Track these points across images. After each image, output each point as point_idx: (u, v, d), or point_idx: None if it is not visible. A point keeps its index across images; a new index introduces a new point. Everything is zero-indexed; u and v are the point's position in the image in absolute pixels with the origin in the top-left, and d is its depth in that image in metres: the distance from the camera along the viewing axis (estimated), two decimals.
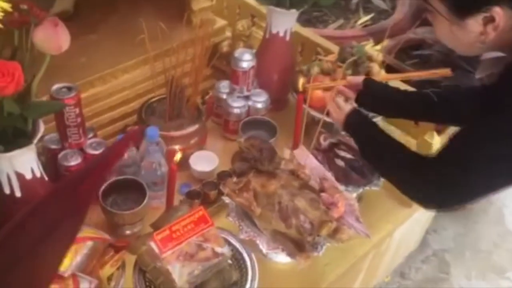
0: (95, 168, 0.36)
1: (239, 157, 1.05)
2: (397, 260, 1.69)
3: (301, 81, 1.31)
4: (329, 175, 1.12)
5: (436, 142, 1.23)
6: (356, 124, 1.07)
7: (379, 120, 1.31)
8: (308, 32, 1.68)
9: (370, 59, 1.31)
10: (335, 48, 1.52)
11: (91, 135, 1.15)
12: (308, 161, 1.12)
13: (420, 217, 1.52)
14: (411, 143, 1.36)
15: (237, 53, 1.36)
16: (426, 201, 0.94)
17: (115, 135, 1.27)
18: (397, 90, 1.16)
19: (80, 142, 1.10)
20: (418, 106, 1.14)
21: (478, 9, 0.77)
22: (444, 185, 0.87)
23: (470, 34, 0.80)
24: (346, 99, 1.24)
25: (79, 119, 1.08)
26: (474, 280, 1.76)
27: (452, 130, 1.34)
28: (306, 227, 0.96)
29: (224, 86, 1.41)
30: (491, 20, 0.77)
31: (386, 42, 1.51)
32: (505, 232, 1.91)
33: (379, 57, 1.32)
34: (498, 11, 0.75)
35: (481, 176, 0.83)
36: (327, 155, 1.23)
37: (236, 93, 1.39)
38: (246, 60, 1.35)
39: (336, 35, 1.93)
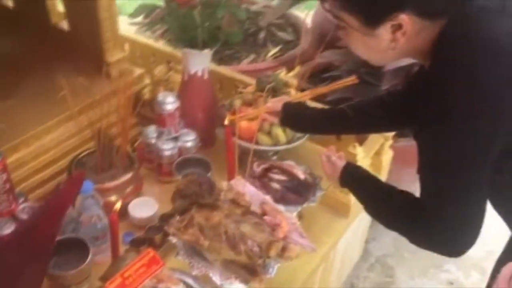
0: (45, 214, 0.37)
1: (178, 195, 1.06)
2: (345, 272, 1.74)
3: (227, 115, 1.36)
4: (268, 198, 1.16)
5: (359, 152, 1.32)
6: (350, 182, 1.08)
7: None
8: (224, 70, 1.75)
9: (286, 85, 1.39)
10: (252, 81, 1.60)
11: (22, 199, 1.11)
12: (246, 189, 1.15)
13: (358, 227, 1.60)
14: None
15: (160, 97, 1.38)
16: (454, 250, 0.87)
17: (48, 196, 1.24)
18: (315, 109, 1.24)
19: (11, 209, 1.06)
20: (337, 122, 1.23)
21: (386, 18, 0.81)
22: (457, 221, 0.83)
23: (382, 43, 0.84)
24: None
25: (7, 185, 1.05)
26: (417, 279, 1.86)
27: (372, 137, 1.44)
28: (255, 250, 0.98)
29: (151, 131, 1.43)
30: (399, 27, 0.81)
31: (297, 69, 1.61)
32: None
33: (294, 82, 1.40)
34: (404, 18, 0.79)
35: (479, 182, 0.83)
36: (262, 181, 1.27)
37: (164, 136, 1.41)
38: (169, 102, 1.38)
39: (250, 69, 2.02)
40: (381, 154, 1.50)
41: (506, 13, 0.80)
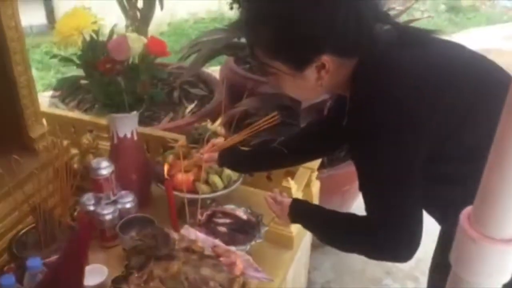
0: (66, 262, 0.41)
1: (133, 252, 1.08)
2: None
3: (165, 169, 1.42)
4: (218, 241, 1.21)
5: (293, 185, 1.42)
6: (299, 217, 1.15)
7: None
8: (149, 130, 1.80)
9: (215, 134, 1.48)
10: (177, 137, 1.67)
11: None
12: (196, 236, 1.19)
13: (301, 257, 1.68)
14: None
15: (94, 164, 1.40)
16: (405, 254, 0.95)
17: None
18: (250, 150, 1.34)
19: None
20: (272, 159, 1.34)
21: (310, 61, 0.92)
22: (399, 231, 0.93)
23: (310, 82, 0.96)
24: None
25: None
26: None
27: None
28: None
29: (88, 198, 1.43)
30: (322, 66, 0.93)
31: (220, 119, 1.71)
32: None
33: (222, 131, 1.49)
34: (325, 59, 0.91)
35: (412, 191, 0.92)
36: (208, 227, 1.33)
37: (103, 201, 1.42)
38: (104, 167, 1.40)
39: (172, 126, 2.09)
40: (310, 186, 1.61)
41: (405, 44, 0.94)
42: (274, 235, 1.43)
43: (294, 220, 1.17)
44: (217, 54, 1.90)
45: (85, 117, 1.86)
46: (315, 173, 1.63)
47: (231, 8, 2.78)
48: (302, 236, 1.55)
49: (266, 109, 1.93)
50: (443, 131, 0.92)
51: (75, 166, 1.58)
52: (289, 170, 1.61)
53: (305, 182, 1.57)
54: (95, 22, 1.34)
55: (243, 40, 2.07)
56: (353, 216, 1.03)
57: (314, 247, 1.87)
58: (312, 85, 0.97)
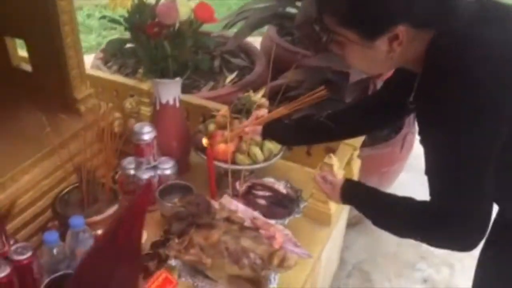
0: (126, 219, 0.40)
1: (175, 219, 1.08)
2: (326, 284, 1.80)
3: (204, 139, 1.41)
4: (257, 214, 1.20)
5: (335, 162, 1.39)
6: (352, 198, 1.11)
7: None
8: (189, 98, 1.79)
9: (258, 106, 1.45)
10: (219, 106, 1.65)
11: (12, 241, 1.09)
12: (236, 207, 1.19)
13: (336, 236, 1.67)
14: (310, 173, 1.52)
15: (136, 128, 1.40)
16: (469, 244, 0.92)
17: (36, 234, 1.22)
18: (293, 124, 1.31)
19: (4, 251, 1.04)
20: (317, 132, 1.31)
21: (384, 30, 0.87)
22: (467, 221, 0.89)
23: (380, 54, 0.91)
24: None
25: None
26: (394, 280, 1.94)
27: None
28: (258, 263, 1.02)
29: (129, 162, 1.44)
30: (395, 38, 0.88)
31: (263, 91, 1.68)
32: None
33: (265, 102, 1.47)
34: (400, 29, 0.86)
35: (486, 179, 0.88)
36: (247, 199, 1.32)
37: (143, 165, 1.42)
38: (146, 132, 1.40)
39: (212, 95, 2.07)
40: (351, 164, 1.58)
41: (487, 20, 0.89)
42: (312, 211, 1.41)
43: (346, 201, 1.14)
44: (264, 23, 1.86)
45: (128, 81, 1.85)
46: (357, 151, 1.59)
47: None
48: (339, 214, 1.53)
49: (309, 83, 1.90)
50: None
51: (116, 129, 1.59)
52: (329, 146, 1.58)
53: (347, 159, 1.54)
54: None
55: (290, 9, 2.02)
56: (415, 201, 0.98)
57: (347, 225, 1.85)
58: (382, 57, 0.92)
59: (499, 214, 1.08)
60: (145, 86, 1.80)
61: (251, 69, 2.38)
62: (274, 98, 2.01)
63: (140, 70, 1.83)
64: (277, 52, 2.59)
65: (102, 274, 0.35)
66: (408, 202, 0.99)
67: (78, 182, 1.26)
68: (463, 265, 1.96)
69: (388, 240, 2.08)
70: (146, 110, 1.78)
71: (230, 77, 2.32)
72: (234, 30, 1.99)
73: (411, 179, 2.05)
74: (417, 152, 2.02)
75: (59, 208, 1.24)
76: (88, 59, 2.34)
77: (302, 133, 1.34)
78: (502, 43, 0.86)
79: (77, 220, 1.12)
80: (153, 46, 1.37)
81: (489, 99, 0.84)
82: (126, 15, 1.37)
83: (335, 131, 1.27)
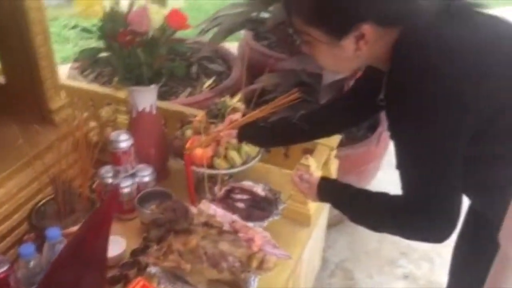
0: (91, 228, 0.40)
1: (153, 226, 1.08)
2: (309, 284, 1.81)
3: (185, 144, 1.41)
4: (236, 217, 1.21)
5: (312, 163, 1.40)
6: (329, 195, 1.12)
7: None
8: (166, 104, 1.79)
9: (234, 110, 1.46)
10: (196, 112, 1.66)
11: None
12: (214, 211, 1.19)
13: (317, 236, 1.68)
14: (288, 174, 1.53)
15: (113, 136, 1.40)
16: (443, 235, 0.93)
17: (13, 247, 1.20)
18: (269, 126, 1.33)
19: None
20: (292, 134, 1.32)
21: (350, 29, 0.89)
22: (438, 211, 0.91)
23: (347, 52, 0.93)
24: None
25: None
26: (376, 277, 1.96)
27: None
28: (237, 266, 1.02)
29: (107, 170, 1.43)
30: (361, 36, 0.90)
31: (240, 95, 1.69)
32: None
33: (241, 107, 1.48)
34: (366, 28, 0.89)
35: (455, 170, 0.90)
36: (226, 202, 1.32)
37: (121, 174, 1.42)
38: (123, 140, 1.39)
39: (191, 101, 2.07)
40: (328, 164, 1.60)
41: (451, 17, 0.90)
42: (292, 212, 1.43)
43: (323, 199, 1.15)
44: (238, 28, 1.88)
45: (104, 90, 1.85)
46: (334, 152, 1.61)
47: None
48: (319, 214, 1.54)
49: (285, 86, 1.91)
50: (488, 111, 0.89)
51: (94, 139, 1.58)
52: (306, 147, 1.60)
53: (324, 160, 1.55)
54: None
55: (263, 14, 2.04)
56: (388, 196, 1.00)
57: (328, 225, 1.87)
58: (349, 56, 0.94)
59: (470, 206, 1.11)
60: (121, 94, 1.80)
61: (228, 74, 2.39)
62: (250, 102, 2.03)
63: (116, 79, 1.83)
64: (253, 57, 2.62)
65: (68, 283, 0.36)
66: (382, 196, 1.01)
67: (54, 193, 1.26)
68: (442, 259, 1.99)
69: (369, 238, 2.11)
70: (123, 118, 1.77)
71: (208, 82, 2.33)
72: (209, 35, 2.00)
73: (388, 176, 2.07)
74: (392, 149, 2.06)
75: (35, 220, 1.24)
76: (66, 69, 2.33)
77: (277, 135, 1.36)
78: (465, 38, 0.89)
79: (53, 232, 1.12)
80: (127, 54, 1.37)
81: (454, 93, 0.86)
82: (96, 23, 1.37)
83: (309, 132, 1.29)
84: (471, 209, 1.11)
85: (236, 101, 1.56)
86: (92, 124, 1.64)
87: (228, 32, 1.81)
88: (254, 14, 1.88)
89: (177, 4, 1.55)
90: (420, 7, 0.90)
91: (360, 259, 2.03)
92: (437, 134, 0.88)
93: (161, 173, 1.57)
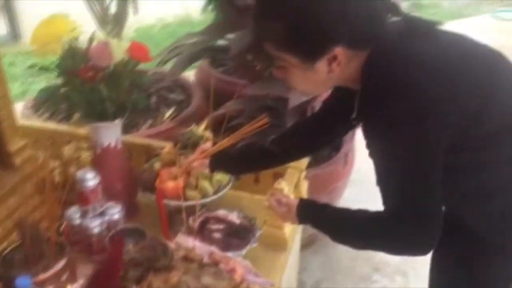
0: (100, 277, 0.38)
1: (130, 265, 1.05)
2: None
3: (156, 178, 1.38)
4: (215, 248, 1.19)
5: (284, 185, 1.40)
6: (308, 217, 1.12)
7: None
8: (130, 138, 1.76)
9: (202, 139, 1.45)
10: (162, 144, 1.63)
11: None
12: (192, 244, 1.17)
13: (293, 259, 1.67)
14: (260, 200, 1.52)
15: (79, 175, 1.35)
16: (425, 248, 0.96)
17: None
18: (240, 153, 1.32)
19: None
20: (264, 159, 1.32)
21: (323, 52, 0.92)
22: (421, 223, 0.92)
23: (321, 75, 0.95)
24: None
25: None
26: None
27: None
28: None
29: (74, 211, 1.37)
30: (334, 59, 0.93)
31: (205, 124, 1.68)
32: None
33: (209, 135, 1.47)
34: (338, 50, 0.92)
35: (434, 182, 0.92)
36: (202, 234, 1.30)
37: (89, 213, 1.37)
38: (90, 178, 1.35)
39: (153, 132, 2.05)
40: (299, 186, 1.60)
41: (414, 35, 0.94)
42: (268, 238, 1.41)
43: (303, 221, 1.15)
44: (198, 57, 1.88)
45: (63, 127, 1.80)
46: (303, 173, 1.62)
47: (204, 12, 2.77)
48: (293, 237, 1.54)
49: (249, 111, 1.92)
50: (462, 120, 0.92)
51: (57, 178, 1.52)
52: (276, 171, 1.60)
53: (295, 182, 1.56)
54: (74, 29, 1.29)
55: (220, 42, 2.06)
56: (368, 212, 1.01)
57: (301, 247, 1.87)
58: (322, 78, 0.96)
59: (446, 215, 1.13)
60: (82, 130, 1.75)
61: (188, 103, 2.39)
62: (216, 129, 2.02)
63: (77, 115, 1.78)
64: (215, 84, 2.62)
65: None
66: (362, 213, 1.02)
67: (20, 239, 1.19)
68: (416, 271, 2.03)
69: (342, 256, 2.12)
70: (85, 155, 1.72)
71: (168, 112, 2.31)
72: (168, 66, 1.99)
73: (355, 194, 2.11)
74: (358, 166, 2.09)
75: (3, 270, 1.16)
76: (16, 109, 2.25)
77: (248, 161, 1.35)
78: (430, 53, 0.93)
79: (23, 281, 1.06)
80: (89, 90, 1.34)
81: (428, 107, 0.89)
82: (54, 61, 1.33)
83: (281, 156, 1.29)
84: (446, 217, 1.13)
85: (202, 130, 1.55)
86: (54, 163, 1.58)
87: (188, 62, 1.81)
88: (211, 42, 1.88)
89: (127, 35, 1.53)
90: (385, 28, 0.94)
91: (335, 278, 2.03)
92: (416, 146, 0.90)
93: (130, 209, 1.53)
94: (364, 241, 1.04)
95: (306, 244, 2.03)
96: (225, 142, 1.33)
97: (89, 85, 1.32)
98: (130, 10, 2.20)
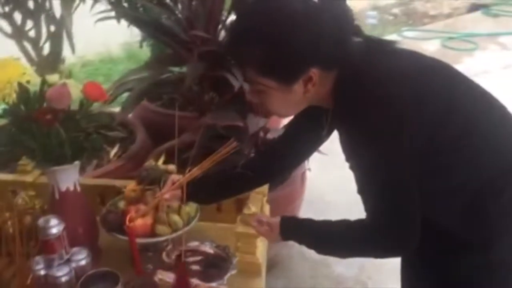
0: None
1: None
2: None
3: (115, 219, 1.35)
4: (197, 280, 1.18)
5: (254, 210, 1.42)
6: (292, 233, 1.15)
7: None
8: (84, 180, 1.70)
9: (167, 172, 1.44)
10: (121, 182, 1.59)
11: None
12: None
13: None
14: (225, 228, 1.54)
15: (41, 223, 1.28)
16: (406, 248, 1.03)
17: None
18: (214, 181, 1.33)
19: None
20: (239, 184, 1.34)
21: (300, 74, 0.98)
22: (403, 227, 0.99)
23: (298, 95, 1.01)
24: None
25: None
26: None
27: None
28: None
29: (37, 262, 1.30)
30: (309, 79, 0.99)
31: (162, 158, 1.67)
32: (313, 264, 2.23)
33: (173, 168, 1.46)
34: (314, 71, 0.98)
35: (413, 187, 0.98)
36: (180, 268, 1.28)
37: (55, 262, 1.30)
38: (54, 225, 1.29)
39: (102, 173, 1.99)
40: (263, 210, 1.63)
41: (376, 53, 1.03)
42: (242, 264, 1.41)
43: (287, 238, 1.17)
44: (149, 92, 1.87)
45: (5, 176, 1.70)
46: (266, 197, 1.65)
47: (141, 46, 2.76)
48: (264, 261, 1.56)
49: (202, 142, 1.93)
50: (429, 126, 1.00)
51: (10, 231, 1.44)
52: (238, 199, 1.61)
53: (260, 207, 1.58)
54: (24, 73, 1.25)
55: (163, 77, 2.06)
56: (349, 222, 1.06)
57: None
58: (299, 99, 1.02)
59: None
60: (27, 177, 1.67)
61: (131, 139, 2.35)
62: (168, 162, 2.00)
63: (22, 162, 1.69)
64: (152, 118, 2.61)
65: None
66: (345, 223, 1.07)
67: None
68: (373, 281, 2.10)
69: (303, 276, 2.16)
70: (35, 203, 1.63)
71: (113, 151, 2.25)
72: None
73: (310, 213, 2.17)
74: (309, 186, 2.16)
75: None
76: None
77: (225, 188, 1.36)
78: (394, 68, 1.02)
79: None
80: (46, 134, 1.29)
81: (401, 117, 0.97)
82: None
83: (255, 179, 1.32)
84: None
85: (161, 163, 1.54)
86: (5, 215, 1.49)
87: (139, 97, 1.79)
88: (160, 76, 1.89)
89: None
90: (352, 48, 1.02)
91: None
92: (392, 155, 0.97)
93: (94, 253, 1.47)
94: (347, 250, 1.10)
95: (268, 268, 2.04)
96: (196, 171, 1.33)
97: (46, 128, 1.27)
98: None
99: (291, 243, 1.17)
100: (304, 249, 1.14)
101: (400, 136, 0.97)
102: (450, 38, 5.50)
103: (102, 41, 5.07)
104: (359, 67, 1.00)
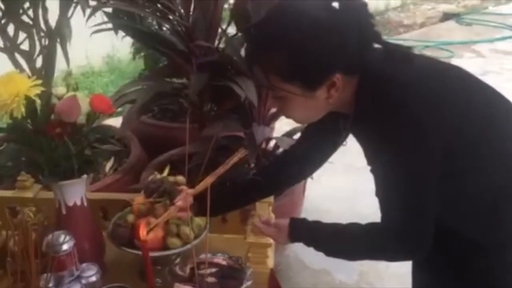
0: None
1: None
2: None
3: (126, 234, 1.33)
4: None
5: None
6: (302, 235, 1.15)
7: None
8: (97, 194, 1.67)
9: (176, 183, 1.42)
10: (124, 196, 1.57)
11: None
12: None
13: None
14: (232, 239, 1.52)
15: (51, 240, 1.26)
16: (420, 253, 1.05)
17: None
18: (227, 187, 1.32)
19: None
20: (252, 193, 1.33)
21: (324, 80, 0.99)
22: (419, 231, 1.01)
23: (320, 101, 1.02)
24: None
25: None
26: None
27: None
28: None
29: (46, 280, 1.27)
30: (333, 85, 1.00)
31: (167, 169, 1.65)
32: (313, 273, 2.23)
33: (182, 179, 1.45)
34: (338, 77, 0.99)
35: (432, 193, 1.01)
36: (194, 281, 1.26)
37: (66, 279, 1.27)
38: (65, 241, 1.26)
39: (100, 187, 1.96)
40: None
41: (396, 59, 1.04)
42: (254, 275, 1.41)
43: (296, 239, 1.18)
44: (153, 103, 1.85)
45: (7, 193, 1.67)
46: (271, 206, 1.65)
47: (134, 59, 2.75)
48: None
49: (203, 152, 1.92)
50: (448, 130, 1.02)
51: (16, 249, 1.39)
52: (244, 209, 1.61)
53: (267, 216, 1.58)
54: (32, 86, 1.22)
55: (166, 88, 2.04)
56: (363, 225, 1.07)
57: None
58: (322, 104, 1.04)
59: None
60: (27, 193, 1.64)
61: (126, 152, 2.32)
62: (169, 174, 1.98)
63: (21, 178, 1.65)
64: (144, 130, 2.59)
65: None
66: (358, 225, 1.09)
67: None
68: (373, 286, 2.11)
69: (304, 285, 2.15)
70: (36, 219, 1.60)
71: (109, 164, 2.22)
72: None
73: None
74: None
75: None
76: None
77: (238, 196, 1.36)
78: (413, 73, 1.04)
79: None
80: (54, 147, 1.27)
81: (418, 122, 0.98)
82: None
83: (267, 187, 1.32)
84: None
85: (167, 174, 1.53)
86: (3, 233, 1.45)
87: (144, 108, 1.78)
88: (166, 86, 1.87)
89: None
90: (373, 55, 1.03)
91: None
92: (415, 160, 0.99)
93: (101, 268, 1.44)
94: (359, 252, 1.11)
95: None
96: (209, 179, 1.32)
97: (56, 142, 1.25)
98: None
99: (287, 252, 1.18)
100: (304, 257, 1.16)
101: (422, 141, 0.99)
102: (426, 46, 5.63)
103: (83, 55, 5.03)
104: (380, 73, 1.02)
